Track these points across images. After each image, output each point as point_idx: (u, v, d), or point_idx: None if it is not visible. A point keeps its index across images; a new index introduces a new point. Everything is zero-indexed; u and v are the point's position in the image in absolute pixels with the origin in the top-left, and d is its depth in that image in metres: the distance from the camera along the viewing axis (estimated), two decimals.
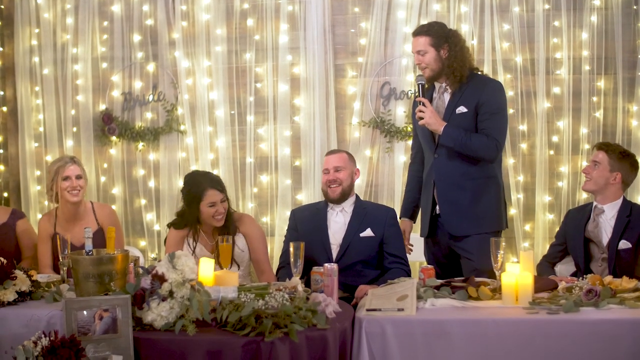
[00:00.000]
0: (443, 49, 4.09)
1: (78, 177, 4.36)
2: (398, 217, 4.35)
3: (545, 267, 4.22)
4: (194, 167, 5.65)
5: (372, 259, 4.09)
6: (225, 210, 4.10)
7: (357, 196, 4.25)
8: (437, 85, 4.21)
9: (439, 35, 4.11)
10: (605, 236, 4.03)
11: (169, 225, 4.27)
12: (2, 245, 4.41)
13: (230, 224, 4.14)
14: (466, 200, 4.09)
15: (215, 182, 4.10)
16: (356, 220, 4.12)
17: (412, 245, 4.40)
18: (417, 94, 4.15)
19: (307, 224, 4.20)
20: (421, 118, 4.05)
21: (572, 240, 4.17)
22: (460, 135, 4.00)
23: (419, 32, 4.15)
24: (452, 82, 4.11)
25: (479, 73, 4.24)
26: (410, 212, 4.45)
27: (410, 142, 5.39)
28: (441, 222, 4.18)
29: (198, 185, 4.08)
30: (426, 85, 4.15)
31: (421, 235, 4.35)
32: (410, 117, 5.42)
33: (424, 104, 4.05)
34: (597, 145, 4.15)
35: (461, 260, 4.15)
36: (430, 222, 4.22)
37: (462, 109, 4.07)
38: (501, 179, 4.23)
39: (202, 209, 4.06)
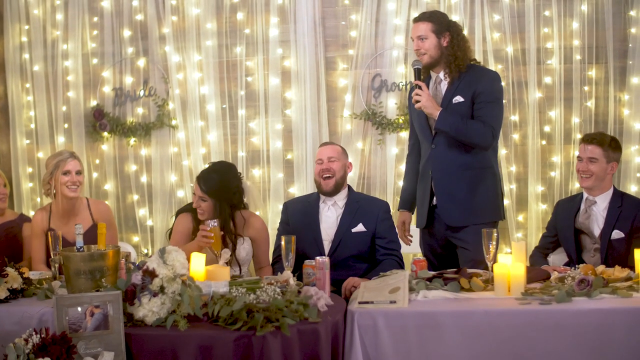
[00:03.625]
0: (444, 37, 4.09)
1: (78, 172, 4.35)
2: (395, 209, 4.32)
3: (538, 258, 4.21)
4: (185, 162, 5.66)
5: (364, 253, 4.07)
6: (205, 211, 3.97)
7: (349, 189, 4.22)
8: (433, 75, 4.20)
9: (441, 22, 4.11)
10: (597, 227, 4.02)
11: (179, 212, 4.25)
12: (8, 242, 4.51)
13: (230, 223, 4.01)
14: (463, 191, 4.08)
15: (203, 179, 3.98)
16: (348, 216, 4.10)
17: (411, 237, 4.39)
18: (412, 80, 4.13)
19: (299, 218, 4.18)
20: (417, 102, 4.03)
21: (563, 231, 4.16)
22: (457, 120, 3.99)
23: (421, 18, 4.15)
24: (451, 71, 4.10)
25: (477, 64, 4.24)
26: (409, 204, 4.42)
27: (402, 134, 5.42)
28: (438, 213, 4.18)
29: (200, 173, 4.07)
30: (422, 77, 4.13)
31: (418, 226, 4.35)
32: (401, 109, 5.42)
33: (420, 87, 4.05)
34: (587, 140, 4.04)
35: (457, 250, 4.15)
36: (428, 213, 4.22)
37: (458, 99, 4.06)
38: (497, 170, 4.23)
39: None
